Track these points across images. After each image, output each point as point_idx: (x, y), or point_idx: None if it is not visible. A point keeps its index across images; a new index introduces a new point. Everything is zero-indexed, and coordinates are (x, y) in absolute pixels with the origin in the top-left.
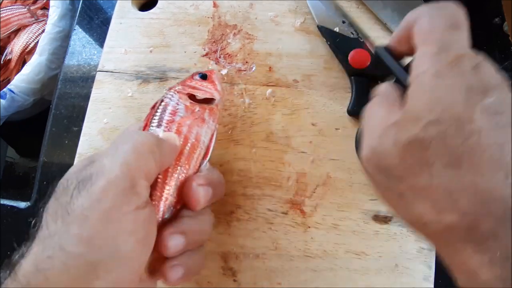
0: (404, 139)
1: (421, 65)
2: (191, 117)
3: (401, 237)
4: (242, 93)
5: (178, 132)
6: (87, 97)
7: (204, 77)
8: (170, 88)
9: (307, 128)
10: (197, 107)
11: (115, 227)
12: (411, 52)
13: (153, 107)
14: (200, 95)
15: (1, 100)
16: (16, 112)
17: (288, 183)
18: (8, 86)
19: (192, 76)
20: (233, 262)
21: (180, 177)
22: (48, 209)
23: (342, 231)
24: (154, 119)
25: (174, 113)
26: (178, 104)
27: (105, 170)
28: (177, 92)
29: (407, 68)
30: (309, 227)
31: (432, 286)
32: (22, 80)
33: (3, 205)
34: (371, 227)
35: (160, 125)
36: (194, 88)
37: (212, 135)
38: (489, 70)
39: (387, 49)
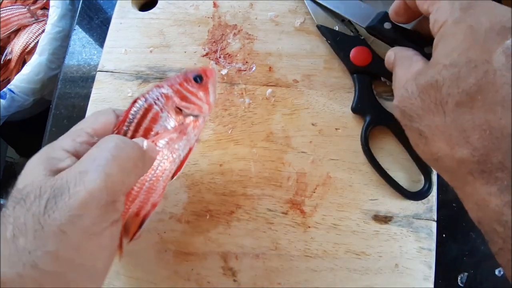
0: (423, 82)
1: (440, 18)
2: (172, 130)
3: (401, 237)
4: (242, 93)
5: (154, 144)
6: (87, 97)
7: (198, 79)
8: (157, 85)
9: (307, 128)
10: (181, 119)
11: (93, 244)
12: (409, 20)
13: (135, 101)
14: (188, 111)
15: (1, 100)
16: (16, 112)
17: (288, 183)
18: (8, 86)
19: (185, 78)
20: (233, 262)
21: (146, 191)
22: (15, 220)
23: (342, 231)
24: (132, 120)
25: (154, 120)
26: (162, 111)
27: (86, 180)
28: (164, 96)
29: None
30: (309, 227)
31: (432, 286)
32: (22, 80)
33: (3, 205)
34: (371, 227)
35: (137, 131)
36: (184, 98)
37: (191, 149)
38: (506, 10)
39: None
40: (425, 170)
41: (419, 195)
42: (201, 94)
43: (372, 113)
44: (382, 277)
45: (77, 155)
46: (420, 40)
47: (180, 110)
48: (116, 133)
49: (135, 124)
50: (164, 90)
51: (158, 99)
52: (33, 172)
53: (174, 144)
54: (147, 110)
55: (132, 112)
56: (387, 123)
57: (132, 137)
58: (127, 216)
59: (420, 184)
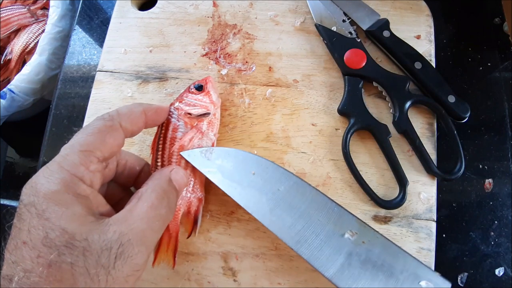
0: None
1: None
2: (191, 132)
3: (400, 237)
4: (242, 93)
5: (181, 148)
6: (87, 97)
7: (200, 88)
8: (171, 104)
9: (307, 128)
10: (195, 121)
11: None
12: None
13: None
14: (195, 113)
15: (1, 100)
16: (16, 112)
17: None
18: (8, 86)
19: (188, 89)
20: (233, 262)
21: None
22: (87, 270)
23: None
24: (160, 136)
25: (175, 130)
26: (178, 121)
27: (143, 248)
28: (176, 109)
29: None
30: None
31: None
32: (22, 80)
33: (3, 205)
34: None
35: (165, 142)
36: (190, 105)
37: (213, 144)
38: None
39: None
40: (401, 180)
41: (391, 204)
42: (204, 98)
43: (356, 116)
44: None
45: (92, 186)
46: (413, 54)
47: (190, 114)
48: (151, 152)
49: (163, 138)
50: (175, 105)
51: (173, 113)
52: (67, 208)
53: (197, 143)
54: (167, 124)
55: (159, 130)
56: (370, 128)
57: (163, 149)
58: (180, 217)
59: (395, 193)
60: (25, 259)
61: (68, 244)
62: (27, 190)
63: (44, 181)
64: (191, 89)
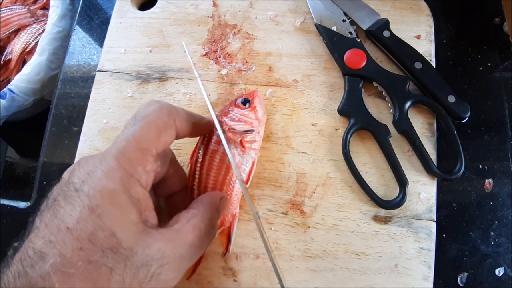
0: None
1: None
2: (233, 147)
3: (400, 237)
4: (242, 93)
5: (221, 161)
6: (87, 97)
7: (246, 102)
8: (217, 115)
9: (307, 128)
10: (238, 137)
11: None
12: None
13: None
14: (238, 129)
15: (1, 100)
16: (16, 112)
17: (288, 184)
18: (8, 86)
19: (234, 103)
20: (233, 262)
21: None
22: (122, 278)
23: (342, 231)
24: (201, 148)
25: (218, 143)
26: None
27: (177, 274)
28: (221, 122)
29: None
30: (309, 227)
31: (432, 286)
32: (22, 80)
33: (3, 205)
34: (371, 227)
35: (206, 154)
36: (234, 120)
37: (253, 162)
38: None
39: None
40: (401, 180)
41: (391, 204)
42: (250, 113)
43: (356, 116)
44: (382, 277)
45: (146, 188)
46: (413, 54)
47: (234, 130)
48: (190, 162)
49: (203, 149)
50: (220, 118)
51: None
52: (122, 212)
53: (237, 159)
54: (210, 137)
55: (200, 140)
56: (370, 128)
57: (203, 161)
58: None
59: (395, 193)
60: (66, 245)
61: (114, 249)
62: (82, 175)
63: (102, 175)
64: (237, 102)
